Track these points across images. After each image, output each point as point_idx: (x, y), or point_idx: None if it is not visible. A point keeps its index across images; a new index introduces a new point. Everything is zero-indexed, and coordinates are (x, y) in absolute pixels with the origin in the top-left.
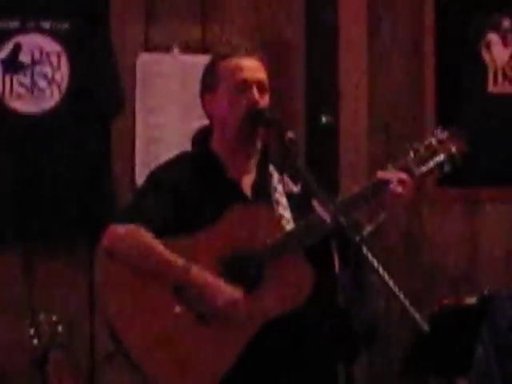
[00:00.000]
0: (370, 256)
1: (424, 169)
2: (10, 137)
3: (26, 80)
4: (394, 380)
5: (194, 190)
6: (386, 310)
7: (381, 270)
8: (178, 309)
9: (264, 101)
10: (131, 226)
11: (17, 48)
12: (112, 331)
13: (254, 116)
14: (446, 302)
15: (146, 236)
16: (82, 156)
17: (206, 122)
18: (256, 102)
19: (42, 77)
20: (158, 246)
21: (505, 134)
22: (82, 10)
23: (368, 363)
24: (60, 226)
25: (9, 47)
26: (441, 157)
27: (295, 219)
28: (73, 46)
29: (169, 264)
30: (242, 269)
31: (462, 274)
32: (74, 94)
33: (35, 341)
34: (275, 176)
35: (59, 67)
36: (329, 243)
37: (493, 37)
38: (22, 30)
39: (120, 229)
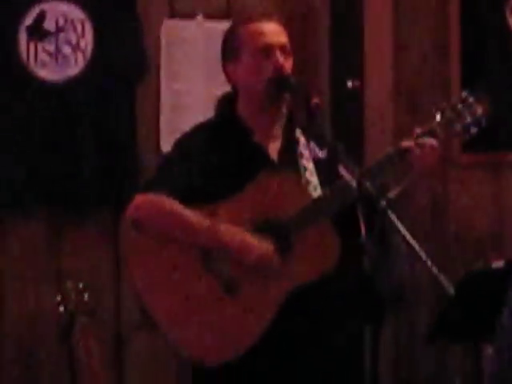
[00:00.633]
0: (396, 221)
1: (450, 131)
2: (35, 103)
3: (51, 47)
4: (420, 345)
5: (221, 157)
6: (412, 274)
7: (407, 234)
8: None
9: (288, 64)
10: (157, 195)
11: (41, 15)
12: (139, 302)
13: (280, 81)
14: (472, 266)
15: (172, 203)
16: (106, 123)
17: (229, 88)
18: (281, 66)
19: (67, 44)
20: (185, 210)
21: None
22: None
23: (394, 328)
24: (86, 194)
25: (33, 14)
26: (467, 119)
27: (322, 184)
28: (97, 13)
29: (196, 226)
30: (270, 236)
31: (488, 239)
32: (99, 61)
33: (61, 308)
34: (301, 141)
35: (83, 34)
36: (354, 208)
37: None
38: None
39: (145, 198)
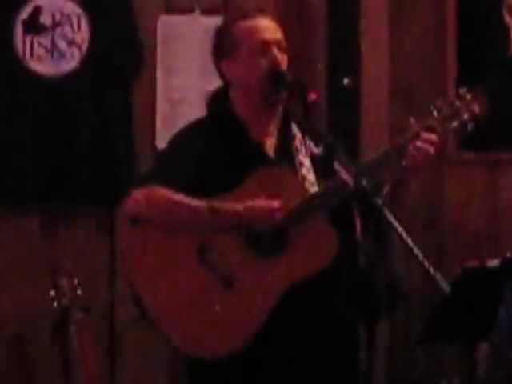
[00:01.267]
0: (391, 218)
1: (447, 128)
2: (30, 98)
3: (47, 42)
4: (415, 343)
5: (217, 154)
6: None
7: (402, 232)
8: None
9: (284, 60)
10: (152, 188)
11: (37, 9)
12: (135, 297)
13: (276, 78)
14: (467, 264)
15: (165, 191)
16: (101, 118)
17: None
18: (278, 62)
19: (63, 39)
20: (179, 196)
21: None
22: None
23: (389, 326)
24: (80, 189)
25: (29, 9)
26: (464, 116)
27: (318, 181)
28: (93, 7)
29: (194, 208)
30: (266, 231)
31: (483, 237)
32: (95, 56)
33: (55, 303)
34: (298, 137)
35: (79, 29)
36: (350, 205)
37: None
38: None
39: (141, 192)
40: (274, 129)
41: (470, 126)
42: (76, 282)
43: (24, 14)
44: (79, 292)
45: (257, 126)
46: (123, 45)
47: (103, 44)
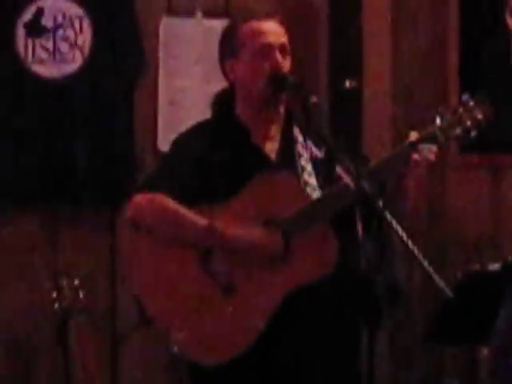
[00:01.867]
0: (393, 222)
1: (450, 135)
2: (32, 100)
3: (49, 44)
4: (417, 347)
5: (218, 158)
6: (409, 276)
7: (404, 236)
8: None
9: (286, 64)
10: (154, 195)
11: (39, 12)
12: (137, 301)
13: (278, 81)
14: (469, 268)
15: (170, 202)
16: (103, 120)
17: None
18: (279, 66)
19: (65, 41)
20: (182, 210)
21: None
22: None
23: (390, 329)
24: (82, 191)
25: (31, 11)
26: (467, 123)
27: (320, 185)
28: (95, 10)
29: (194, 226)
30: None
31: (485, 241)
32: (96, 59)
33: (57, 305)
34: (300, 141)
35: (81, 31)
36: (352, 208)
37: None
38: None
39: (143, 198)
40: (276, 133)
41: (473, 133)
42: (77, 283)
43: (26, 16)
44: (80, 294)
45: (259, 129)
46: (125, 47)
47: (105, 46)
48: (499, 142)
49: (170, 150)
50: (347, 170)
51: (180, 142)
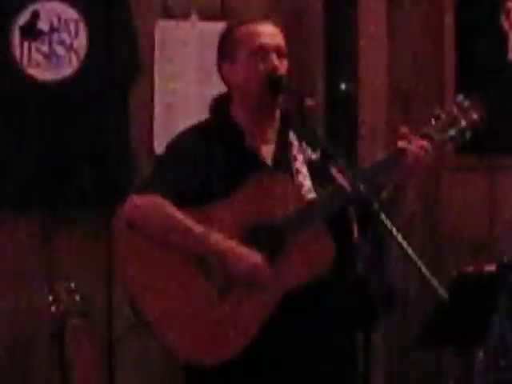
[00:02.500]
0: (388, 223)
1: (445, 136)
2: (28, 104)
3: (45, 47)
4: (412, 348)
5: (214, 160)
6: (405, 277)
7: (400, 237)
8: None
9: (283, 66)
10: (151, 196)
11: (35, 15)
12: (132, 303)
13: (273, 83)
14: (465, 269)
15: (166, 205)
16: (99, 122)
17: (224, 88)
18: (275, 68)
19: (61, 44)
20: (179, 214)
21: None
22: None
23: (386, 332)
24: (79, 194)
25: (27, 14)
26: (462, 124)
27: (316, 187)
28: (91, 13)
29: (189, 232)
30: (263, 239)
31: (481, 242)
32: (92, 62)
33: (53, 308)
34: (295, 144)
35: (77, 35)
36: (348, 210)
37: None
38: None
39: (139, 199)
40: (272, 136)
41: (468, 134)
42: (73, 286)
43: (22, 19)
44: (77, 297)
45: (255, 132)
46: (121, 50)
47: (101, 49)
48: (495, 143)
49: (165, 151)
50: (343, 172)
51: (175, 144)
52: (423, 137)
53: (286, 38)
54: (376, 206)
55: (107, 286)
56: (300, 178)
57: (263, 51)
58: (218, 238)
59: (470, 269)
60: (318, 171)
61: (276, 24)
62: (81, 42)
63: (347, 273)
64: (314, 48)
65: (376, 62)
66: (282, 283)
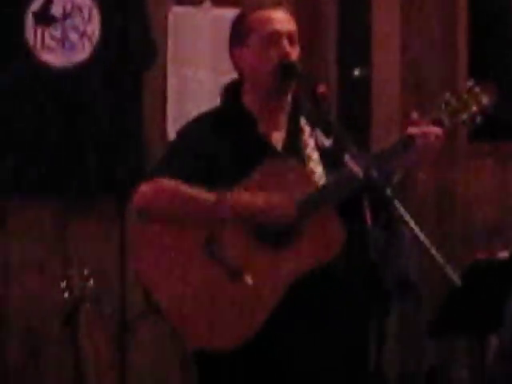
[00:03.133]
0: (402, 209)
1: (456, 121)
2: (41, 89)
3: (58, 33)
4: (426, 336)
5: (225, 146)
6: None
7: (413, 224)
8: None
9: (294, 52)
10: (159, 180)
11: (48, 1)
12: (144, 288)
13: (285, 69)
14: (478, 256)
15: (175, 183)
16: (112, 109)
17: (236, 75)
18: (287, 54)
19: (73, 30)
20: (188, 187)
21: None
22: None
23: (399, 319)
24: (92, 181)
25: (40, 0)
26: (473, 109)
27: (327, 174)
28: None
29: (205, 199)
30: (274, 224)
31: (494, 228)
32: (105, 47)
33: (66, 294)
34: (307, 130)
35: (90, 20)
36: (360, 197)
37: None
38: None
39: (149, 185)
40: (283, 122)
41: (478, 119)
42: (87, 272)
43: (35, 5)
44: (90, 283)
45: (266, 119)
46: (134, 36)
47: (114, 35)
48: (507, 129)
49: (176, 137)
50: (355, 158)
51: (186, 131)
52: (433, 122)
53: (299, 23)
54: (389, 192)
55: (120, 272)
56: (311, 164)
57: (275, 37)
58: (234, 196)
59: (483, 255)
60: (330, 157)
61: (288, 10)
62: (94, 27)
63: (359, 259)
64: (327, 34)
65: (389, 47)
66: (293, 268)
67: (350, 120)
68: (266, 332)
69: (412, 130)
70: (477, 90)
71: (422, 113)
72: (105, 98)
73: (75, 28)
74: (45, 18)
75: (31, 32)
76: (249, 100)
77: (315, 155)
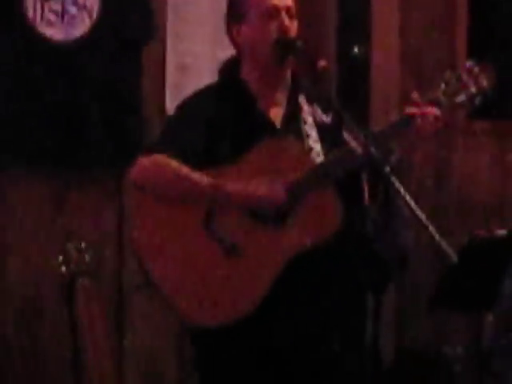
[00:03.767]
0: (400, 187)
1: (454, 101)
2: (41, 63)
3: (57, 7)
4: (422, 313)
5: (224, 122)
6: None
7: (411, 201)
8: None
9: (293, 27)
10: (157, 156)
11: None
12: (140, 262)
13: (285, 44)
14: (476, 234)
15: (173, 162)
16: (111, 83)
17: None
18: (286, 28)
19: (73, 4)
20: (185, 169)
21: None
22: None
23: (396, 294)
24: (90, 155)
25: None
26: (472, 89)
27: (326, 151)
28: None
29: (200, 183)
30: (266, 209)
31: (492, 207)
32: (105, 22)
33: (63, 268)
34: (305, 107)
35: None
36: (359, 174)
37: None
38: None
39: (146, 160)
40: (282, 99)
41: (477, 100)
42: (84, 246)
43: None
44: (87, 257)
45: (265, 95)
46: (133, 10)
47: (114, 9)
48: (508, 108)
49: (175, 113)
50: (355, 136)
51: (185, 106)
52: (432, 102)
53: (299, 1)
54: (387, 169)
55: (117, 247)
56: (310, 141)
57: (274, 12)
58: (227, 184)
59: (482, 233)
60: (329, 134)
61: None
62: (93, 1)
63: (357, 235)
64: (327, 11)
65: (389, 25)
66: (293, 244)
67: (349, 97)
68: (263, 310)
69: (411, 109)
70: (476, 70)
71: (421, 92)
72: (104, 71)
73: (75, 2)
74: None
75: (31, 6)
76: (248, 76)
77: (314, 132)
